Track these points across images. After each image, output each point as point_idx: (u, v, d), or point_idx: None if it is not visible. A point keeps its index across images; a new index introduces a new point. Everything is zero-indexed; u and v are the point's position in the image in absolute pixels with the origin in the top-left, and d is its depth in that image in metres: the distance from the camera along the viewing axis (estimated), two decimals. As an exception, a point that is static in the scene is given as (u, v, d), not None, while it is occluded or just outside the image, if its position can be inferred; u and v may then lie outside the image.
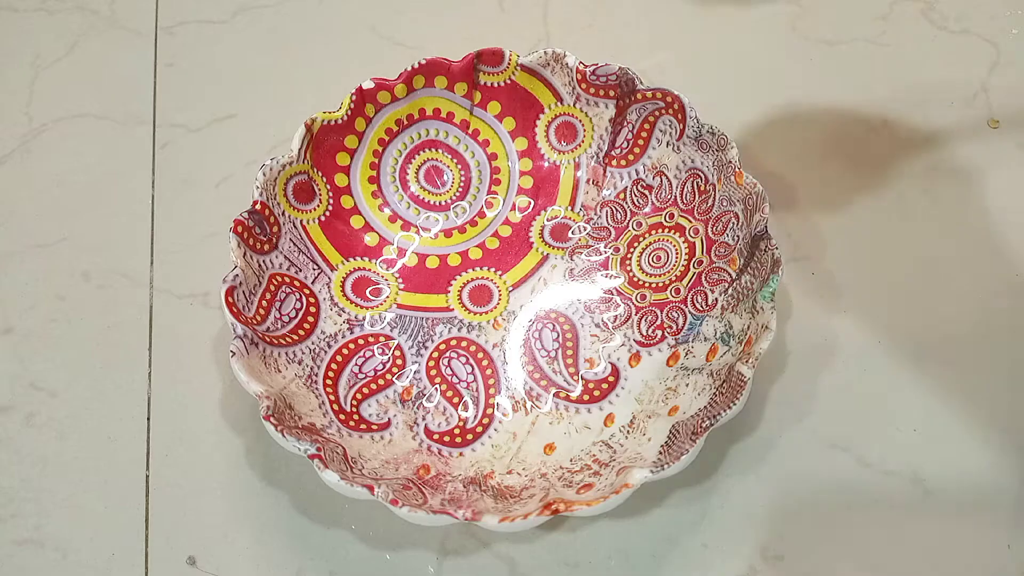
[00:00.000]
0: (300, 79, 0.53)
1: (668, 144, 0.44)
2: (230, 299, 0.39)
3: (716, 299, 0.42)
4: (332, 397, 0.41)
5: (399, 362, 0.43)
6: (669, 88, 0.43)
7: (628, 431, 0.40)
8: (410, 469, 0.39)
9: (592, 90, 0.45)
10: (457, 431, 0.42)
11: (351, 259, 0.45)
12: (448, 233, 0.47)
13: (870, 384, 0.43)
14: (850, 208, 0.47)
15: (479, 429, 0.42)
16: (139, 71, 0.54)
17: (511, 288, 0.46)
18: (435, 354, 0.44)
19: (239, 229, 0.40)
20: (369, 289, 0.45)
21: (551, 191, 0.47)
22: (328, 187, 0.45)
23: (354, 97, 0.44)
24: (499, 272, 0.46)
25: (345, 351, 0.43)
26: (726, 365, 0.38)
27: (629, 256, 0.45)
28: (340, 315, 0.44)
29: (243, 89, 0.53)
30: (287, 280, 0.43)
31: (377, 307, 0.45)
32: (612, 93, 0.44)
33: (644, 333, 0.43)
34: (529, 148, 0.47)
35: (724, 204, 0.42)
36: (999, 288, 0.45)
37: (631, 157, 0.45)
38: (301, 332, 0.42)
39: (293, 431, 0.36)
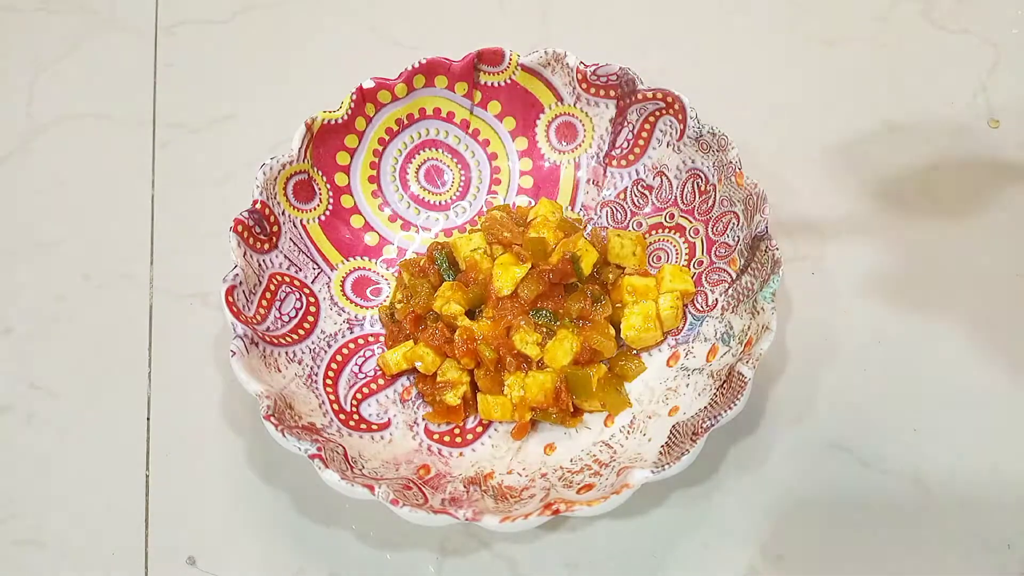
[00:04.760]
0: (300, 79, 0.53)
1: (668, 144, 0.44)
2: (230, 299, 0.39)
3: (716, 299, 0.42)
4: (332, 397, 0.41)
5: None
6: (669, 88, 0.43)
7: (628, 431, 0.40)
8: (410, 469, 0.39)
9: (592, 90, 0.45)
10: (457, 431, 0.42)
11: (351, 259, 0.45)
12: (448, 233, 0.47)
13: (870, 384, 0.43)
14: (850, 208, 0.47)
15: (479, 429, 0.42)
16: (139, 71, 0.54)
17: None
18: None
19: (239, 228, 0.40)
20: (369, 289, 0.45)
21: (551, 191, 0.47)
22: (328, 186, 0.45)
23: (354, 97, 0.44)
24: (499, 272, 0.46)
25: (345, 351, 0.43)
26: (726, 365, 0.38)
27: (629, 256, 0.45)
28: (340, 315, 0.44)
29: (243, 89, 0.53)
30: (287, 280, 0.43)
31: (377, 307, 0.45)
32: (612, 93, 0.44)
33: (644, 333, 0.43)
34: (529, 148, 0.47)
35: (724, 204, 0.42)
36: (998, 288, 0.45)
37: (631, 157, 0.45)
38: (301, 332, 0.42)
39: (293, 431, 0.36)
